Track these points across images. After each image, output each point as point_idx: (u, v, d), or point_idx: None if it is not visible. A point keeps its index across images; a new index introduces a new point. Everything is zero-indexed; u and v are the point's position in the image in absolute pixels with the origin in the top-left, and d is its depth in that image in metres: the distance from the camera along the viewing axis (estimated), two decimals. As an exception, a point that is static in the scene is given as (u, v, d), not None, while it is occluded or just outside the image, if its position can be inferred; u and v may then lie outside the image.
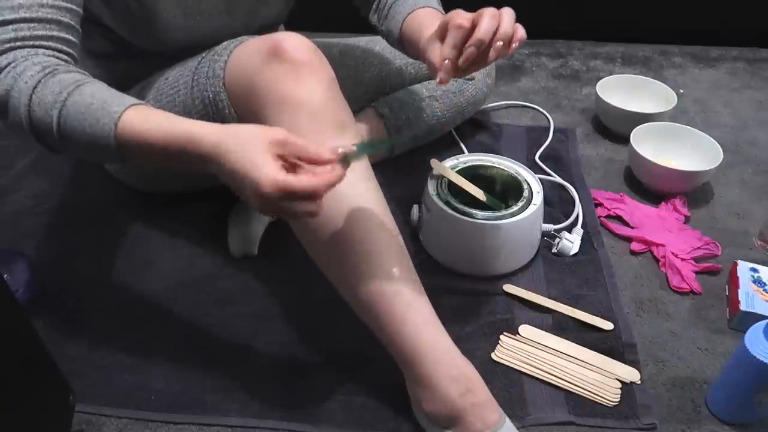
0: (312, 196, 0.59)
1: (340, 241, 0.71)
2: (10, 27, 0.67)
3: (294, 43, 0.74)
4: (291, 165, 0.60)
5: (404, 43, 0.90)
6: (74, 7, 0.72)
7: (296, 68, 0.73)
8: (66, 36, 0.70)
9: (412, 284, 0.73)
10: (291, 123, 0.72)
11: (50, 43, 0.69)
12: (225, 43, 0.83)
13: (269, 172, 0.57)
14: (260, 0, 0.92)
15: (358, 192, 0.72)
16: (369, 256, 0.71)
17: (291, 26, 1.08)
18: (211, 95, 0.82)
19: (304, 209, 0.59)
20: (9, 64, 0.66)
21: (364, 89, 1.15)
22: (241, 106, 0.80)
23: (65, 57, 0.70)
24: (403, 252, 0.74)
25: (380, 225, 0.73)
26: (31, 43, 0.67)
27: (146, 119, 0.64)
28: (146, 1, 0.81)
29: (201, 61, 0.84)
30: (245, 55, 0.79)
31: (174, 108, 0.87)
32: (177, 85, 0.87)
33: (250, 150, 0.58)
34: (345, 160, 0.62)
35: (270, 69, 0.73)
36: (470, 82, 1.17)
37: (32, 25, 0.68)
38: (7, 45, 0.66)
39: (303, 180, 0.58)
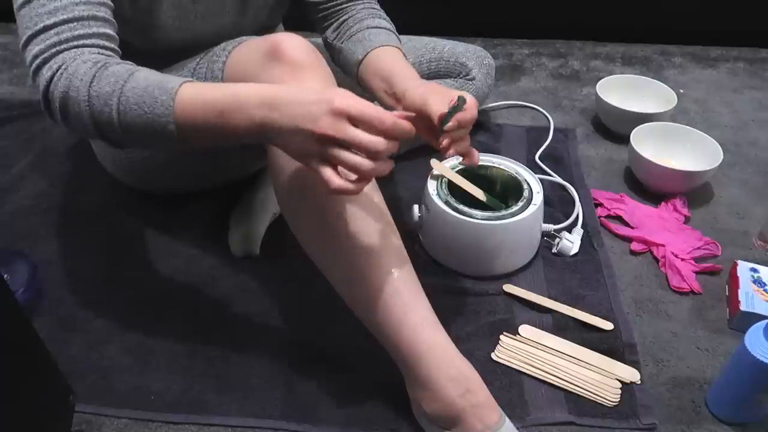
0: (380, 125, 0.59)
1: (338, 242, 0.71)
2: (53, 31, 0.68)
3: (292, 44, 0.73)
4: None
5: (366, 68, 0.86)
6: (106, 0, 0.72)
7: (295, 69, 0.72)
8: (105, 30, 0.71)
9: (410, 285, 0.72)
10: None
11: (92, 41, 0.70)
12: (223, 44, 0.83)
13: (344, 92, 0.59)
14: (247, 1, 0.91)
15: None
16: (368, 258, 0.71)
17: (291, 26, 1.08)
18: None
19: (369, 144, 0.59)
20: (60, 67, 0.67)
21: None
22: None
23: (108, 52, 0.71)
24: (402, 253, 0.74)
25: (379, 226, 0.73)
26: (74, 43, 0.68)
27: (202, 88, 0.65)
28: (141, 1, 0.81)
29: (199, 62, 0.84)
30: (243, 56, 0.79)
31: None
32: None
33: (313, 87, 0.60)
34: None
35: (268, 70, 0.73)
36: (471, 82, 1.17)
37: (72, 25, 0.69)
38: (54, 49, 0.68)
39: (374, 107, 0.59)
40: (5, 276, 0.80)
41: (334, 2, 0.92)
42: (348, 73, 0.92)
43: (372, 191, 0.74)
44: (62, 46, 0.68)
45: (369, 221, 0.72)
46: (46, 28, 0.68)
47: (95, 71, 0.66)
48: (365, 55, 0.86)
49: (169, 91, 0.64)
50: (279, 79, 0.72)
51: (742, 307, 0.86)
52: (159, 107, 0.64)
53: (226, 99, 0.63)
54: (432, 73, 1.16)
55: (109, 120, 0.66)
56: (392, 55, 0.86)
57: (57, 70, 0.67)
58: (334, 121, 0.58)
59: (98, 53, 0.69)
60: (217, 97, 0.63)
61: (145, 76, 0.66)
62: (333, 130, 0.58)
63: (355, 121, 0.59)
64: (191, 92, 0.64)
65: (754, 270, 0.92)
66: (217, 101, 0.63)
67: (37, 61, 0.68)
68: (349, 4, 0.93)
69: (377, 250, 0.71)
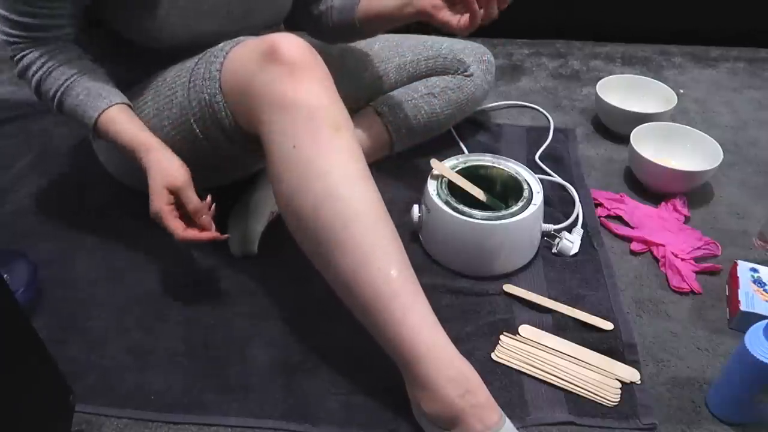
0: (172, 234, 0.82)
1: (336, 243, 0.71)
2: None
3: (289, 44, 0.74)
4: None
5: (366, 14, 0.99)
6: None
7: (292, 70, 0.73)
8: (64, 32, 0.86)
9: (410, 286, 0.72)
10: (287, 125, 0.73)
11: (47, 41, 0.85)
12: (222, 44, 0.83)
13: (155, 201, 0.82)
14: (250, 3, 0.91)
15: (355, 193, 0.72)
16: (366, 259, 0.70)
17: (291, 26, 1.08)
18: (207, 97, 0.81)
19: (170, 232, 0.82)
20: (26, 66, 0.85)
21: (363, 89, 1.15)
22: (238, 108, 0.80)
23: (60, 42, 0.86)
24: (401, 253, 0.73)
25: (377, 226, 0.72)
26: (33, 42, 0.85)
27: (110, 129, 0.85)
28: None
29: (198, 62, 0.84)
30: (241, 56, 0.79)
31: (171, 109, 0.87)
32: (174, 86, 0.86)
33: (160, 177, 0.82)
34: None
35: (265, 71, 0.73)
36: (469, 78, 1.17)
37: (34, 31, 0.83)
38: (20, 53, 0.85)
39: (171, 222, 0.82)
40: (5, 276, 0.81)
41: None
42: (345, 28, 1.03)
43: (371, 191, 0.74)
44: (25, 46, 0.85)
45: (367, 222, 0.72)
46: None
47: (40, 76, 0.85)
48: (355, 11, 0.99)
49: (91, 117, 0.85)
50: (276, 81, 0.73)
51: (742, 307, 0.86)
52: (84, 126, 0.86)
53: (125, 143, 0.85)
54: (429, 71, 1.16)
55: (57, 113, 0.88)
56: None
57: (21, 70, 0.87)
58: (151, 210, 0.82)
59: (51, 50, 0.85)
60: (122, 140, 0.85)
61: (77, 93, 0.85)
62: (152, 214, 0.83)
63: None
64: (105, 126, 0.85)
65: (754, 270, 0.92)
66: (122, 142, 0.85)
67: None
68: None
69: (376, 251, 0.71)
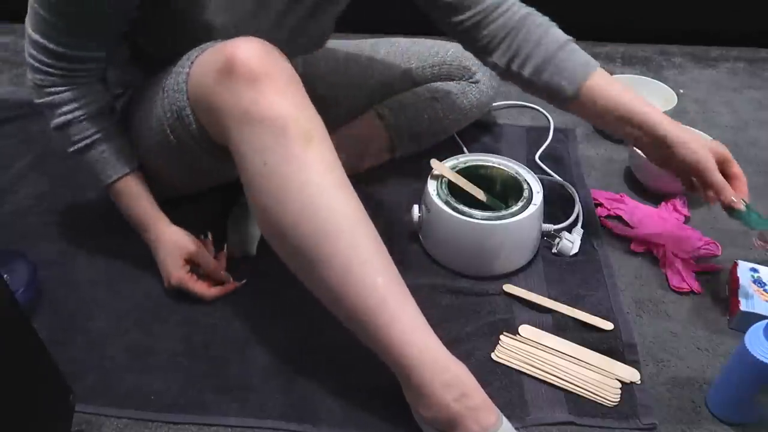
0: (199, 296, 0.90)
1: (319, 255, 0.69)
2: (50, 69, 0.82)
3: (247, 51, 0.69)
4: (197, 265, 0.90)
5: (585, 106, 0.93)
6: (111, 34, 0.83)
7: (251, 82, 0.68)
8: (97, 63, 0.84)
9: (397, 292, 0.70)
10: (254, 140, 0.68)
11: (80, 75, 0.84)
12: (189, 52, 0.79)
13: (175, 272, 0.89)
14: (309, 18, 0.90)
15: (334, 203, 0.69)
16: (350, 270, 0.68)
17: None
18: (177, 109, 0.79)
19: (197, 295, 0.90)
20: (54, 104, 0.84)
21: (368, 95, 1.15)
22: (206, 120, 0.77)
23: (93, 80, 0.86)
24: (386, 259, 0.71)
25: (359, 235, 0.69)
26: (69, 76, 0.83)
27: (123, 195, 0.90)
28: (193, 16, 0.80)
29: (170, 73, 0.82)
30: (202, 67, 0.75)
31: (150, 120, 0.86)
32: (153, 97, 0.85)
33: (175, 252, 0.90)
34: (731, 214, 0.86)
35: (224, 86, 0.69)
36: (475, 85, 1.17)
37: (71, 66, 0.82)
38: (50, 88, 0.83)
39: (197, 287, 0.90)
40: (5, 276, 0.80)
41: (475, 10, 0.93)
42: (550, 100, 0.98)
43: (351, 200, 0.71)
44: (58, 82, 0.83)
45: (348, 232, 0.69)
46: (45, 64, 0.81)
47: (65, 120, 0.84)
48: (577, 91, 0.93)
49: (104, 181, 0.89)
50: (237, 94, 0.69)
51: (742, 307, 0.86)
52: (97, 182, 0.89)
53: (130, 216, 0.92)
54: (434, 77, 1.16)
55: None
56: (611, 86, 0.95)
57: (51, 106, 0.85)
58: (169, 282, 0.90)
59: (81, 92, 0.84)
60: (126, 211, 0.92)
61: (101, 150, 0.86)
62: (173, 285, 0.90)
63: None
64: (115, 194, 0.90)
65: (754, 270, 0.92)
66: (126, 212, 0.92)
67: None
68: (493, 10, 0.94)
69: (360, 261, 0.68)
